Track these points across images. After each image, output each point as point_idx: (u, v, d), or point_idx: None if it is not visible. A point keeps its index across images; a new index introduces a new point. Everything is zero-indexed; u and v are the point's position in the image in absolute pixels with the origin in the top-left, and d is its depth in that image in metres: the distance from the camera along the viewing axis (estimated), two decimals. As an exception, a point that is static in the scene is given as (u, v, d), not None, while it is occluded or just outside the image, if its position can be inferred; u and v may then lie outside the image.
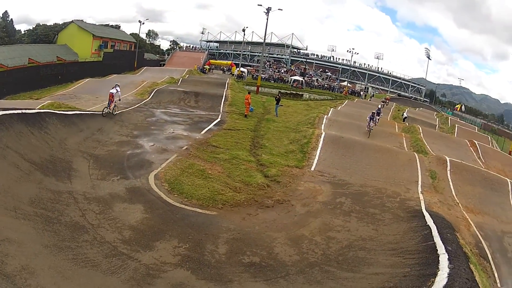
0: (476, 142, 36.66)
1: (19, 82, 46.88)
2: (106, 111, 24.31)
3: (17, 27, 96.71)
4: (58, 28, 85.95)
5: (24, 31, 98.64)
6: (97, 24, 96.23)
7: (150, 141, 20.78)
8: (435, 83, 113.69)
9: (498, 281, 13.27)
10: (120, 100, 25.91)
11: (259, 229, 12.97)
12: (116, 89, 25.25)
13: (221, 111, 33.38)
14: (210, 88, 44.42)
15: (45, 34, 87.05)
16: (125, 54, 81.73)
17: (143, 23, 77.91)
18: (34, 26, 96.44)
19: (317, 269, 10.64)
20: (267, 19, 57.49)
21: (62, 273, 8.23)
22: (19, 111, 15.30)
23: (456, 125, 52.70)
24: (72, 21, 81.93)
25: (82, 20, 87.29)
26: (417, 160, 23.78)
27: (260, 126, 30.00)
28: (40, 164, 13.68)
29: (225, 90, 43.24)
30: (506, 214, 19.88)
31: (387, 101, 46.49)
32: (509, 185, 23.25)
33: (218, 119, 29.54)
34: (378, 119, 35.59)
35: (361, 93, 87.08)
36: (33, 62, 54.20)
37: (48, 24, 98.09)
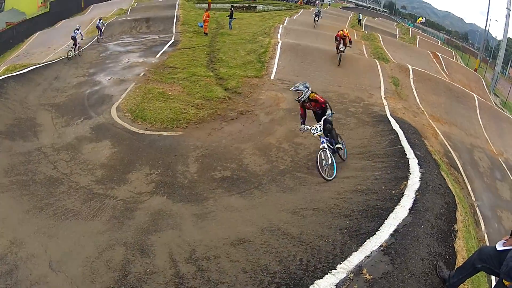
0: (439, 54, 35.61)
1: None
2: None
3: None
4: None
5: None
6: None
7: (107, 75, 20.01)
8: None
9: (472, 194, 13.07)
10: (82, 39, 26.67)
11: (226, 142, 12.80)
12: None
13: (174, 32, 32.04)
14: (161, 11, 42.32)
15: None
16: (71, -3, 77.38)
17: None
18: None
19: (289, 176, 10.56)
20: None
21: (47, 233, 7.97)
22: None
23: (418, 36, 50.84)
24: (16, -19, 77.16)
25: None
26: (379, 66, 23.13)
27: (215, 41, 28.85)
28: (6, 132, 13.12)
29: (176, 10, 41.10)
30: (474, 128, 19.73)
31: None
32: (476, 100, 22.94)
33: (172, 40, 28.42)
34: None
35: (317, 2, 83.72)
36: (-18, 36, 50.82)
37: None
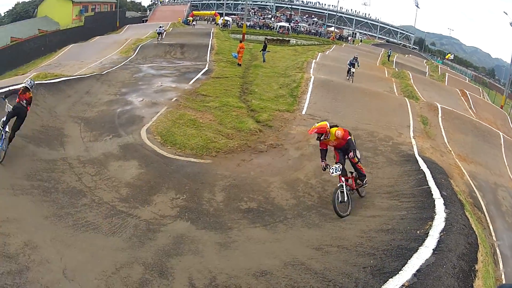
0: (467, 92, 35.73)
1: (3, 63, 44.45)
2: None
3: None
4: (37, 2, 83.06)
5: (4, 13, 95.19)
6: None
7: (139, 97, 20.42)
8: (424, 32, 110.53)
9: (493, 234, 12.95)
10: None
11: (255, 174, 12.93)
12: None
13: (208, 60, 32.61)
14: (195, 38, 43.37)
15: (24, 11, 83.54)
16: (107, 15, 78.18)
17: (122, -19, 74.87)
18: (13, 6, 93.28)
19: (315, 212, 10.62)
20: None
21: (64, 241, 8.14)
22: (6, 89, 14.55)
23: (447, 73, 51.01)
24: (49, -8, 79.31)
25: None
26: (408, 105, 23.31)
27: (248, 72, 29.46)
28: (32, 137, 13.43)
29: (210, 39, 42.10)
30: (499, 166, 19.64)
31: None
32: (502, 138, 22.97)
33: (206, 68, 28.93)
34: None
35: (349, 38, 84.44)
36: (15, 40, 51.88)
37: (26, 0, 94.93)
